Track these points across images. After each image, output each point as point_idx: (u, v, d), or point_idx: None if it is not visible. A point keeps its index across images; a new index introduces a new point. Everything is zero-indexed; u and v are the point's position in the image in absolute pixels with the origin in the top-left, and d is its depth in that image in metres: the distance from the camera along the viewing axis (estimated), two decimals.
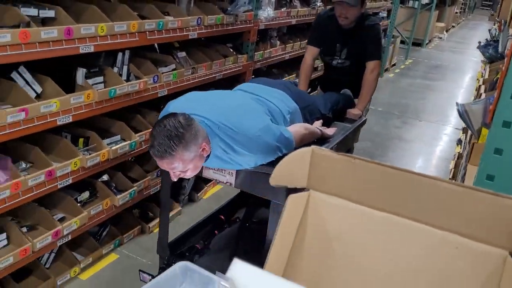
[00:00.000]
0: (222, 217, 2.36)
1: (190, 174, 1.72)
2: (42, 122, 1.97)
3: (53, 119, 2.01)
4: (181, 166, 1.63)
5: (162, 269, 1.87)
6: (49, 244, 2.15)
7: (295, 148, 1.75)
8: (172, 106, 1.84)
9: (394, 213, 0.61)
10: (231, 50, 3.43)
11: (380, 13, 6.65)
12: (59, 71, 2.21)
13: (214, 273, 1.01)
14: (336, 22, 2.79)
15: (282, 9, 3.83)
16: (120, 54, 2.45)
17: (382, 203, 0.61)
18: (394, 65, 8.21)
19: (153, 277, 1.66)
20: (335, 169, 0.65)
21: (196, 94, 1.98)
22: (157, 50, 2.98)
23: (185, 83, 2.84)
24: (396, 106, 6.03)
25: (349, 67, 2.92)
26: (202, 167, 1.82)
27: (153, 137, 1.59)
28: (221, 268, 1.82)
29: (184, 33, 2.70)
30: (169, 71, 2.74)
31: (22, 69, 2.00)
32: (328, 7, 3.20)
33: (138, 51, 2.68)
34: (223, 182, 1.92)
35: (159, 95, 2.66)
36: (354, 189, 0.64)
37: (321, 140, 2.19)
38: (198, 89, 3.10)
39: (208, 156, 1.74)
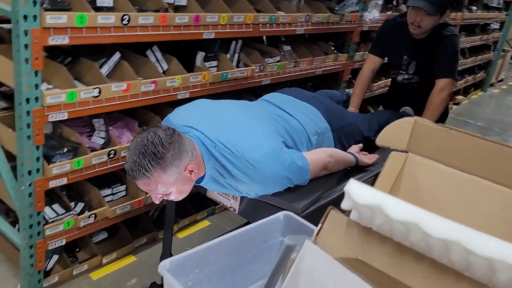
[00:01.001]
0: None
1: (174, 198, 1.47)
2: (166, 94, 2.28)
3: (175, 93, 2.32)
4: (160, 189, 1.39)
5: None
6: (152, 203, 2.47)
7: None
8: (174, 114, 1.67)
9: (481, 177, 0.73)
10: (332, 48, 3.57)
11: (492, 25, 6.34)
12: (181, 52, 2.52)
13: None
14: (406, 31, 2.37)
15: (388, 12, 3.88)
16: (233, 43, 2.71)
17: (471, 167, 0.73)
18: (501, 80, 7.75)
19: None
20: (432, 137, 0.78)
21: (204, 104, 1.74)
22: (265, 42, 3.22)
23: (287, 75, 3.04)
24: (498, 123, 5.73)
25: (417, 85, 2.47)
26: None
27: (129, 151, 1.37)
28: None
29: (292, 28, 2.90)
30: (274, 62, 2.96)
31: (155, 48, 2.33)
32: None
33: (248, 41, 2.93)
34: (227, 206, 1.71)
35: (263, 83, 2.89)
36: (447, 154, 0.76)
37: (356, 168, 1.84)
38: (298, 82, 3.31)
39: (203, 176, 1.53)
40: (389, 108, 2.64)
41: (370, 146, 1.98)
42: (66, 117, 1.91)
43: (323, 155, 1.70)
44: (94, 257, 2.37)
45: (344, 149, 1.91)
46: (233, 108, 1.72)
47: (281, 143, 1.59)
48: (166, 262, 0.93)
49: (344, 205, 0.66)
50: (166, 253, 2.02)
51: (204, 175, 1.52)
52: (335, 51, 3.53)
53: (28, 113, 1.78)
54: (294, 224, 1.16)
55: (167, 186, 1.39)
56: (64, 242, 2.14)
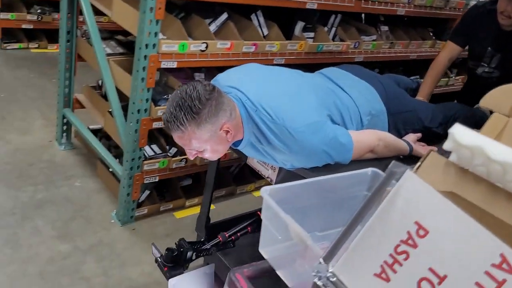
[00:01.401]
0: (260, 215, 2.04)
1: (209, 156, 1.44)
2: (263, 58, 2.41)
3: (271, 58, 2.44)
4: (193, 144, 1.37)
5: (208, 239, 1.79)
6: (237, 158, 2.64)
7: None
8: (223, 74, 1.62)
9: None
10: (431, 34, 3.48)
11: None
12: (282, 20, 2.63)
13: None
14: (494, 20, 2.17)
15: None
16: (332, 16, 2.77)
17: None
18: None
19: (161, 255, 1.60)
20: None
21: (254, 67, 1.67)
22: (363, 21, 3.22)
23: (380, 55, 3.04)
24: None
25: (497, 80, 2.29)
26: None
27: (168, 102, 1.38)
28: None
29: (394, 8, 2.89)
30: (370, 41, 2.97)
31: (259, 12, 2.46)
32: None
33: (347, 17, 2.96)
34: (265, 176, 1.67)
35: (355, 60, 2.92)
36: None
37: (409, 159, 1.66)
38: (390, 65, 3.29)
39: (241, 140, 1.48)
40: (463, 102, 2.45)
41: (428, 138, 1.84)
42: (175, 66, 2.10)
43: (371, 137, 1.58)
44: (179, 199, 2.61)
45: (400, 136, 1.76)
46: (283, 75, 1.64)
47: (326, 116, 1.50)
48: (267, 188, 1.05)
49: (446, 146, 0.72)
50: (204, 213, 2.02)
51: (242, 139, 1.47)
52: (433, 38, 3.45)
53: (145, 57, 1.99)
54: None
55: (201, 142, 1.36)
56: (157, 179, 2.38)
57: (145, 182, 2.35)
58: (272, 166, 1.61)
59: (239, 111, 1.43)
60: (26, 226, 2.24)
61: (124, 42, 2.61)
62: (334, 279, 0.75)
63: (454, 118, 1.93)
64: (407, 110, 1.85)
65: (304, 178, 1.39)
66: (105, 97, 2.68)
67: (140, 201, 2.46)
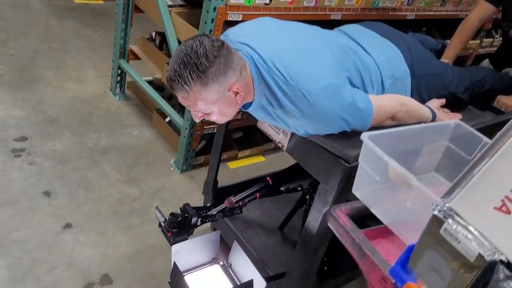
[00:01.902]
0: (270, 181, 1.82)
1: (216, 119, 1.34)
2: (322, 13, 2.43)
3: (329, 13, 2.46)
4: (199, 106, 1.26)
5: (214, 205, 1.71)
6: None
7: (376, 128, 1.33)
8: (233, 29, 1.48)
9: None
10: None
11: None
12: None
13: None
14: None
15: None
16: None
17: None
18: None
19: (165, 220, 1.53)
20: None
21: (268, 22, 1.51)
22: None
23: (432, 13, 3.02)
24: None
25: None
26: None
27: (171, 59, 1.24)
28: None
29: None
30: None
31: None
32: None
33: None
34: (276, 141, 1.58)
35: (407, 18, 2.91)
36: None
37: None
38: (440, 23, 3.26)
39: (251, 103, 1.38)
40: (493, 65, 2.34)
41: (452, 105, 1.75)
42: (240, 19, 2.15)
43: (393, 102, 1.45)
44: (232, 150, 2.71)
45: (422, 102, 1.64)
46: (300, 31, 1.49)
47: (344, 78, 1.37)
48: (367, 134, 1.14)
49: None
50: (211, 176, 1.98)
51: (253, 100, 1.36)
52: None
53: (214, 9, 2.04)
54: (463, 133, 1.30)
55: (207, 104, 1.25)
56: (215, 130, 2.48)
57: (204, 132, 2.45)
58: (284, 131, 1.51)
59: (249, 71, 1.31)
60: (94, 170, 2.39)
61: None
62: (452, 212, 0.83)
63: (481, 83, 1.84)
64: (432, 73, 1.70)
65: (318, 144, 1.36)
66: (159, 48, 2.75)
67: (197, 150, 2.58)
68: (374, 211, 1.15)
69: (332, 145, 1.35)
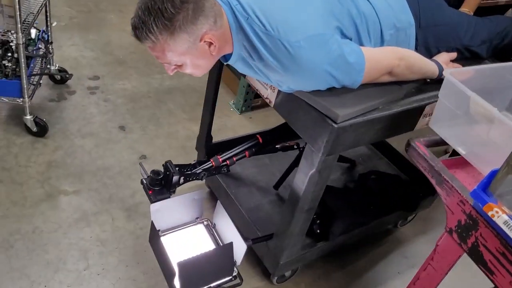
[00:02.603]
0: (260, 139, 1.67)
1: (191, 72, 1.22)
2: None
3: None
4: (168, 57, 1.14)
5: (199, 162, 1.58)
6: None
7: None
8: None
9: None
10: None
11: None
12: None
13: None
14: None
15: None
16: None
17: None
18: None
19: (148, 176, 1.45)
20: None
21: None
22: None
23: None
24: None
25: None
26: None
27: (138, 4, 1.09)
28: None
29: None
30: None
31: None
32: None
33: None
34: (264, 96, 1.45)
35: None
36: None
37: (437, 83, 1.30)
38: None
39: (231, 54, 1.23)
40: None
41: (465, 59, 1.55)
42: None
43: (390, 55, 1.30)
44: None
45: (430, 55, 1.47)
46: None
47: (334, 29, 1.22)
48: (448, 70, 1.19)
49: None
50: (204, 131, 1.90)
51: (232, 52, 1.22)
52: None
53: None
54: None
55: (177, 55, 1.13)
56: None
57: None
58: (271, 86, 1.38)
59: (226, 18, 1.16)
60: (162, 108, 2.54)
61: None
62: None
63: (501, 35, 1.61)
64: (443, 23, 1.50)
65: (304, 101, 1.24)
66: None
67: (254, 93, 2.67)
68: (451, 143, 1.23)
69: (319, 102, 1.21)
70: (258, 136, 1.66)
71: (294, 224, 1.45)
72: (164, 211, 1.42)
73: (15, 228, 1.76)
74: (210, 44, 1.14)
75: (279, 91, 1.35)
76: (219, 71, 1.71)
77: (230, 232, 1.44)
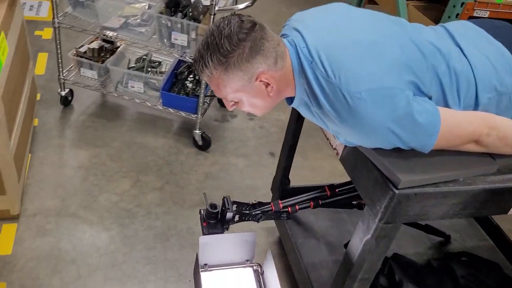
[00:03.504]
0: (328, 191, 1.59)
1: (249, 110, 1.19)
2: None
3: None
4: (223, 92, 1.13)
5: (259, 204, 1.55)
6: None
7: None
8: (298, 14, 1.26)
9: None
10: None
11: None
12: None
13: None
14: None
15: None
16: None
17: None
18: None
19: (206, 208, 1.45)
20: None
21: (337, 7, 1.25)
22: None
23: None
24: None
25: None
26: None
27: (201, 39, 1.13)
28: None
29: None
30: None
31: None
32: None
33: None
34: (333, 146, 1.37)
35: None
36: None
37: None
38: None
39: (294, 98, 1.19)
40: None
41: None
42: (486, 16, 2.05)
43: (478, 121, 1.12)
44: None
45: None
46: (373, 22, 1.20)
47: (406, 83, 1.08)
48: None
49: None
50: (279, 173, 1.87)
51: (295, 95, 1.18)
52: None
53: (462, 4, 2.02)
54: None
55: (232, 92, 1.12)
56: None
57: None
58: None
59: (290, 61, 1.12)
60: (310, 141, 2.61)
61: None
62: None
63: None
64: None
65: (369, 159, 1.14)
66: None
67: None
68: None
69: (383, 162, 1.09)
70: (326, 187, 1.58)
71: None
72: (214, 246, 1.42)
73: (172, 225, 2.04)
74: (267, 84, 1.11)
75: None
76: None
77: (274, 283, 1.40)
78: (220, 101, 2.86)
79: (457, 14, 2.13)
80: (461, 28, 1.28)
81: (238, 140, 2.62)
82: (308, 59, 1.10)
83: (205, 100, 2.48)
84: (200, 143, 2.48)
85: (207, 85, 2.43)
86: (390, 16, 1.24)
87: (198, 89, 2.40)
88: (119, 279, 1.78)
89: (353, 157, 1.23)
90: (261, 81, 1.10)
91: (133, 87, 2.48)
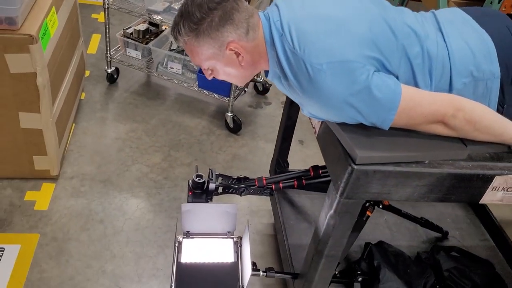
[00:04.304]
0: (312, 171, 1.58)
1: (226, 79, 1.24)
2: None
3: None
4: (196, 59, 1.19)
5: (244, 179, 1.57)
6: None
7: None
8: None
9: None
10: None
11: None
12: None
13: None
14: None
15: None
16: None
17: None
18: None
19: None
20: None
21: None
22: None
23: None
24: None
25: None
26: None
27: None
28: None
29: None
30: None
31: None
32: None
33: None
34: (312, 124, 1.37)
35: None
36: None
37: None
38: None
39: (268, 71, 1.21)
40: None
41: None
42: None
43: (444, 102, 1.09)
44: None
45: None
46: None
47: (369, 58, 1.08)
48: None
49: None
50: (276, 154, 1.95)
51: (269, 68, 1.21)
52: None
53: (499, 1, 2.05)
54: None
55: (205, 59, 1.17)
56: None
57: None
58: None
59: (263, 33, 1.15)
60: None
61: None
62: None
63: None
64: None
65: (334, 135, 1.13)
66: None
67: None
68: None
69: (345, 138, 1.09)
70: (310, 168, 1.58)
71: (313, 267, 1.32)
72: (196, 215, 1.44)
73: (184, 198, 2.07)
74: (238, 54, 1.15)
75: (322, 122, 1.25)
76: None
77: (246, 254, 1.39)
78: (256, 87, 2.94)
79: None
80: (449, 14, 1.27)
81: (269, 126, 2.68)
82: (279, 32, 1.12)
83: (239, 86, 2.55)
84: (231, 125, 2.57)
85: None
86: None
87: None
88: (140, 241, 1.91)
89: (325, 135, 1.23)
90: (231, 49, 1.14)
91: (172, 68, 2.61)
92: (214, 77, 1.24)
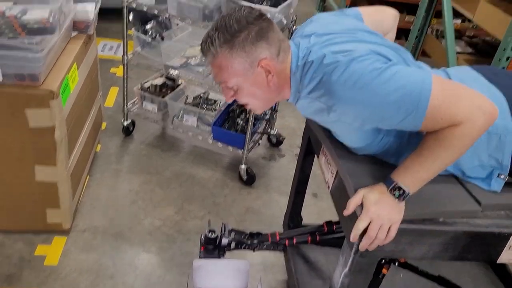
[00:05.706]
0: (325, 227, 1.58)
1: (248, 102, 1.21)
2: None
3: None
4: (224, 75, 1.15)
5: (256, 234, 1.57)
6: None
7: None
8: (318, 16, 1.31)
9: None
10: None
11: None
12: None
13: None
14: None
15: None
16: None
17: None
18: None
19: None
20: None
21: (346, 21, 1.27)
22: None
23: None
24: None
25: None
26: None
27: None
28: None
29: None
30: None
31: None
32: None
33: None
34: (325, 180, 1.35)
35: None
36: None
37: None
38: None
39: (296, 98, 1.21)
40: None
41: None
42: None
43: (473, 101, 1.04)
44: None
45: None
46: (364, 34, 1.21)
47: (374, 53, 1.09)
48: None
49: None
50: (289, 209, 1.61)
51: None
52: None
53: (507, 58, 2.11)
54: None
55: (232, 74, 1.14)
56: None
57: None
58: (331, 170, 1.28)
59: (291, 59, 1.16)
60: None
61: (473, 43, 2.83)
62: None
63: None
64: None
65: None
66: None
67: None
68: None
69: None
70: (324, 223, 1.58)
71: None
72: (208, 271, 1.42)
73: (196, 252, 1.93)
74: (268, 73, 1.14)
75: (335, 177, 1.23)
76: (308, 145, 1.67)
77: None
78: (269, 139, 2.95)
79: (503, 68, 2.12)
80: (460, 72, 1.30)
81: (283, 179, 2.66)
82: (305, 57, 1.13)
83: (254, 138, 2.58)
84: (244, 178, 2.56)
85: (255, 123, 2.54)
86: (395, 46, 1.25)
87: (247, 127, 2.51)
88: None
89: (338, 190, 1.23)
90: (262, 67, 1.12)
91: (187, 121, 2.65)
92: (235, 99, 1.21)
